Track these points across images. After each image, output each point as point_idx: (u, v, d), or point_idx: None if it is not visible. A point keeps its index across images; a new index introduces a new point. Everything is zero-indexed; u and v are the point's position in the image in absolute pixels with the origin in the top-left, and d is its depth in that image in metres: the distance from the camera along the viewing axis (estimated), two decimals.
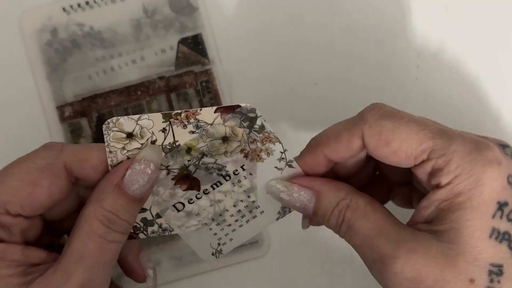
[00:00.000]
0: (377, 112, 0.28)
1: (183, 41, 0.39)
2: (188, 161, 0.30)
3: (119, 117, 0.28)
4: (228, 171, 0.30)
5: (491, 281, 0.25)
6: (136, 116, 0.28)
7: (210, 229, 0.32)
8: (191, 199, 0.31)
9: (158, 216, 0.31)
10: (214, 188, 0.31)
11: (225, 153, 0.30)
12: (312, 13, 0.40)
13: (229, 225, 0.32)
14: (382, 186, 0.33)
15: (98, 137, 0.38)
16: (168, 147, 0.29)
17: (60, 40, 0.38)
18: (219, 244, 0.33)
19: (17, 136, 0.39)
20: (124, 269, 0.32)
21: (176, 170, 0.30)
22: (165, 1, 0.39)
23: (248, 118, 0.29)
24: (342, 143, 0.29)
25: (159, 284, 0.38)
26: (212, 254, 0.33)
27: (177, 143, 0.29)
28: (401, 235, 0.27)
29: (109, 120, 0.28)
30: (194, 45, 0.39)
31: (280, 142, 0.29)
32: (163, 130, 0.29)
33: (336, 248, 0.39)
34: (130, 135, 0.28)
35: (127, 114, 0.38)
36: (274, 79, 0.40)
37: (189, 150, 0.29)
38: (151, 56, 0.39)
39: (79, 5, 0.38)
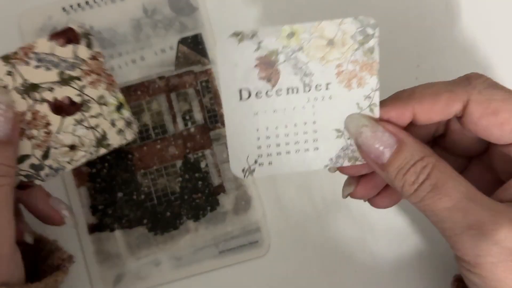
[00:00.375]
0: (485, 81, 0.27)
1: (183, 41, 0.39)
2: (282, 48, 0.27)
3: None
4: (313, 80, 0.28)
5: None
6: None
7: (258, 138, 0.29)
8: (68, 131, 0.32)
9: (45, 157, 0.32)
10: (288, 93, 0.28)
11: (321, 59, 0.28)
12: (312, 13, 0.40)
13: (278, 144, 0.29)
14: (451, 160, 0.31)
15: None
16: (21, 88, 0.31)
17: None
18: (256, 162, 0.30)
19: None
20: (40, 218, 0.33)
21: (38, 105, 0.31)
22: (165, 1, 0.39)
23: (365, 33, 0.27)
24: (439, 103, 0.27)
25: (159, 284, 0.38)
26: (243, 171, 0.30)
27: (27, 82, 0.31)
28: (498, 206, 0.25)
29: None
30: (194, 45, 0.39)
31: (377, 78, 0.27)
32: (9, 73, 0.31)
33: (336, 248, 0.39)
34: None
35: None
36: None
37: (35, 85, 0.31)
38: (151, 56, 0.39)
39: (79, 5, 0.38)
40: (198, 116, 0.39)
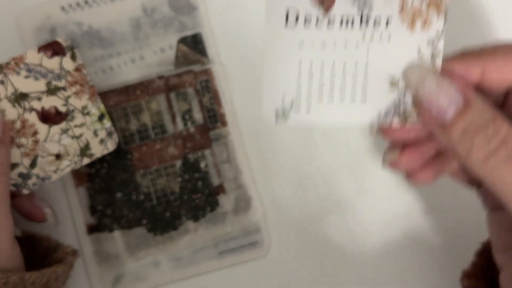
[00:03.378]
0: None
1: (182, 40, 0.39)
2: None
3: None
4: (372, 12, 0.24)
5: None
6: None
7: (299, 75, 0.25)
8: (55, 140, 0.34)
9: (32, 166, 0.33)
10: (342, 25, 0.24)
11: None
12: None
13: (321, 86, 0.25)
14: None
15: None
16: (12, 96, 0.33)
17: None
18: (292, 104, 0.26)
19: None
20: (24, 215, 0.35)
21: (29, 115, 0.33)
22: (164, 0, 0.39)
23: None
24: (510, 60, 0.24)
25: (158, 285, 0.38)
26: (276, 114, 0.26)
27: (18, 91, 0.33)
28: None
29: None
30: (194, 44, 0.39)
31: (444, 19, 0.25)
32: (1, 82, 0.33)
33: (336, 248, 0.39)
34: None
35: (126, 114, 0.38)
36: None
37: (24, 95, 0.33)
38: (150, 55, 0.38)
39: (78, 4, 0.38)
40: (197, 116, 0.39)
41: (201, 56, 0.39)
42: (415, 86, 0.24)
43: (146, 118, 0.38)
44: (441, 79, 0.24)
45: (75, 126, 0.34)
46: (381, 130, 0.26)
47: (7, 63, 0.33)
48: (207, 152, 0.39)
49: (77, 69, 0.34)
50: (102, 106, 0.35)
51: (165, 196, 0.38)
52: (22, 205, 0.34)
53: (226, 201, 0.39)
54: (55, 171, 0.34)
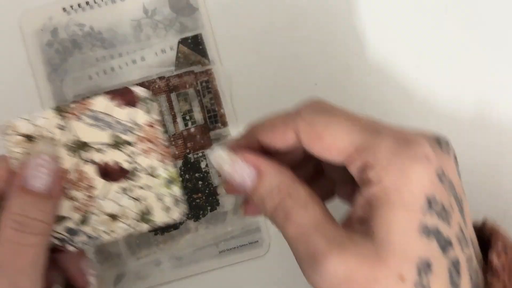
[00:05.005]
0: (312, 107, 0.28)
1: (183, 41, 0.39)
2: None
3: (13, 120, 0.28)
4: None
5: (420, 276, 0.24)
6: (29, 116, 0.28)
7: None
8: (112, 199, 0.30)
9: (83, 223, 0.30)
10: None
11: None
12: (312, 13, 0.40)
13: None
14: (324, 183, 0.32)
15: None
16: (71, 144, 0.29)
17: (60, 40, 0.38)
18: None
19: None
20: (64, 275, 0.32)
21: (86, 167, 0.29)
22: (165, 1, 0.39)
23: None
24: (276, 133, 0.28)
25: (159, 284, 0.38)
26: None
27: (78, 139, 0.29)
28: (337, 233, 0.26)
29: (3, 124, 0.28)
30: (194, 45, 0.39)
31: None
32: (61, 127, 0.29)
33: None
34: (29, 138, 0.28)
35: None
36: (274, 79, 0.40)
37: (85, 144, 0.29)
38: (151, 56, 0.39)
39: (79, 5, 0.38)
40: (198, 116, 0.39)
41: (202, 57, 0.39)
42: (217, 169, 0.29)
43: None
44: (235, 160, 0.28)
45: (138, 187, 0.30)
46: (226, 188, 0.30)
47: (71, 107, 0.28)
48: (207, 152, 0.39)
49: (151, 125, 0.29)
50: (173, 171, 0.30)
51: None
52: (67, 263, 0.31)
53: (226, 201, 0.39)
54: (107, 233, 0.30)
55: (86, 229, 0.30)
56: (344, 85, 0.40)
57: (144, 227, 0.30)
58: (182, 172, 0.39)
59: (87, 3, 0.38)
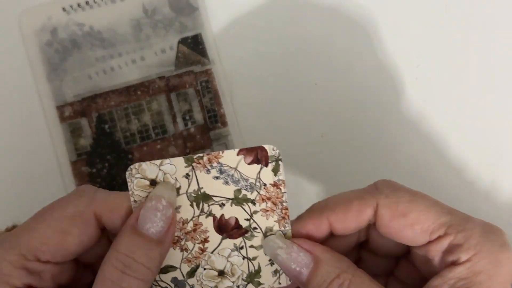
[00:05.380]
0: (391, 185, 0.28)
1: (183, 41, 0.39)
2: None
3: (141, 163, 0.28)
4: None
5: None
6: (158, 162, 0.28)
7: None
8: (223, 255, 0.29)
9: (190, 275, 0.29)
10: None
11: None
12: (312, 13, 0.40)
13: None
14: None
15: (98, 137, 0.38)
16: (193, 194, 0.29)
17: (60, 40, 0.38)
18: None
19: (17, 136, 0.39)
20: None
21: (202, 220, 0.29)
22: (165, 1, 0.39)
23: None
24: (352, 211, 0.27)
25: None
26: None
27: (201, 190, 0.28)
28: None
29: (131, 167, 0.28)
30: (194, 45, 0.39)
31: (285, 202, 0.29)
32: (187, 175, 0.28)
33: None
34: (153, 182, 0.28)
35: (127, 115, 0.38)
36: (274, 79, 0.40)
37: (208, 196, 0.29)
38: (151, 56, 0.39)
39: (79, 5, 0.38)
40: (198, 116, 0.39)
41: (202, 56, 0.39)
42: (271, 257, 0.29)
43: (146, 118, 0.38)
44: (291, 247, 0.28)
45: (251, 246, 0.29)
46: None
47: (200, 157, 0.28)
48: (207, 152, 0.39)
49: (275, 185, 0.29)
50: (290, 233, 0.29)
51: None
52: None
53: None
54: None
55: (192, 282, 0.29)
56: (344, 85, 0.40)
57: None
58: None
59: (87, 2, 0.38)
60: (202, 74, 0.39)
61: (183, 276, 0.29)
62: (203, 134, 0.39)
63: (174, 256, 0.29)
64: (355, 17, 0.40)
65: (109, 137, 0.38)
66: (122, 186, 0.38)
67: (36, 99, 0.38)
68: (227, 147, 0.39)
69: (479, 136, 0.40)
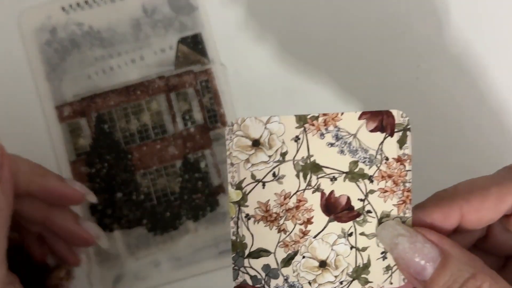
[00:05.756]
0: None
1: (182, 41, 0.39)
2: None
3: (245, 118, 0.23)
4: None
5: None
6: (265, 118, 0.23)
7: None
8: (328, 241, 0.24)
9: (285, 263, 0.24)
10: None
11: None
12: (313, 13, 0.40)
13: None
14: None
15: (97, 137, 0.38)
16: (300, 163, 0.24)
17: (59, 39, 0.38)
18: None
19: (16, 136, 0.38)
20: (68, 239, 0.31)
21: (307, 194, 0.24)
22: (164, 0, 0.39)
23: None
24: (490, 200, 0.24)
25: (158, 285, 0.38)
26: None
27: (311, 158, 0.24)
28: None
29: (233, 121, 0.23)
30: (194, 45, 0.39)
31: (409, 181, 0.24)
32: (296, 138, 0.23)
33: None
34: (256, 143, 0.23)
35: (126, 114, 0.38)
36: (274, 79, 0.40)
37: (318, 167, 0.24)
38: (150, 55, 0.39)
39: (78, 5, 0.38)
40: (197, 116, 0.39)
41: (201, 56, 0.39)
42: (389, 246, 0.24)
43: (146, 118, 0.38)
44: (415, 236, 0.23)
45: (362, 234, 0.24)
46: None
47: (314, 117, 0.23)
48: (207, 152, 0.39)
49: (400, 160, 0.24)
50: (410, 222, 0.24)
51: (165, 196, 0.38)
52: (69, 228, 0.31)
53: (226, 201, 0.39)
54: (310, 283, 0.24)
55: (287, 272, 0.24)
56: (344, 85, 0.40)
57: (354, 286, 0.25)
58: (182, 172, 0.38)
59: (86, 2, 0.38)
60: (202, 74, 0.39)
61: (277, 263, 0.24)
62: (203, 134, 0.39)
63: (269, 238, 0.24)
64: (355, 16, 0.40)
65: (108, 137, 0.38)
66: (121, 186, 0.38)
67: (35, 99, 0.38)
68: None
69: (479, 136, 0.40)
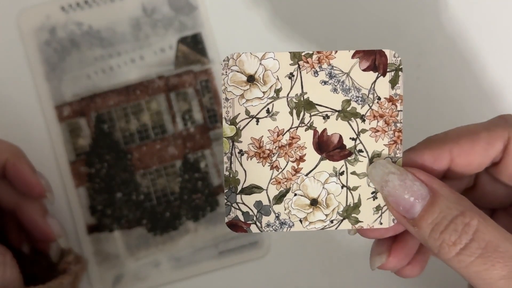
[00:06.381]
0: None
1: (182, 40, 0.39)
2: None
3: (240, 53, 0.23)
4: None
5: None
6: (260, 54, 0.23)
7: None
8: (320, 180, 0.24)
9: (277, 201, 0.24)
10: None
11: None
12: (313, 13, 0.40)
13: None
14: None
15: (97, 137, 0.38)
16: (294, 100, 0.24)
17: (58, 39, 0.38)
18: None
19: (16, 136, 0.38)
20: (32, 232, 0.32)
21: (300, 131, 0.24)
22: (164, 0, 0.39)
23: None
24: (479, 143, 0.24)
25: (158, 285, 0.38)
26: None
27: (305, 96, 0.24)
28: None
29: (228, 56, 0.23)
30: (194, 44, 0.39)
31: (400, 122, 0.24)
32: (290, 75, 0.23)
33: (336, 248, 0.39)
34: (251, 79, 0.23)
35: (126, 114, 0.38)
36: None
37: (311, 104, 0.24)
38: (150, 55, 0.38)
39: (77, 4, 0.38)
40: (197, 116, 0.39)
41: (201, 56, 0.39)
42: (379, 184, 0.24)
43: (146, 118, 0.38)
44: (405, 174, 0.24)
45: (353, 173, 0.24)
46: (359, 232, 0.26)
47: (309, 54, 0.23)
48: (207, 152, 0.39)
49: (391, 100, 0.24)
50: (400, 162, 0.25)
51: (165, 196, 0.38)
52: (36, 222, 0.32)
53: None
54: (300, 221, 0.24)
55: (279, 209, 0.24)
56: None
57: (344, 225, 0.25)
58: (182, 172, 0.38)
59: (86, 2, 0.38)
60: (202, 74, 0.39)
61: (269, 200, 0.24)
62: (202, 134, 0.39)
63: (262, 174, 0.24)
64: (355, 16, 0.40)
65: (108, 137, 0.38)
66: (121, 186, 0.38)
67: (35, 99, 0.38)
68: None
69: None
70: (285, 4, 0.40)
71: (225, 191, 0.25)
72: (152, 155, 0.38)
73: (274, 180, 0.24)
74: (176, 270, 0.38)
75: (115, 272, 0.38)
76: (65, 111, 0.38)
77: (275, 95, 0.24)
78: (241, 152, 0.24)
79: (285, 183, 0.24)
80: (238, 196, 0.25)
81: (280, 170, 0.24)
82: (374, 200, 0.25)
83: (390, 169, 0.24)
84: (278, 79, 0.24)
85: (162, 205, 0.38)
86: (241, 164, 0.24)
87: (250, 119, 0.24)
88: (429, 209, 0.23)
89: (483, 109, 0.40)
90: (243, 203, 0.24)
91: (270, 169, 0.24)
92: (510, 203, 0.27)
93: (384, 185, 0.24)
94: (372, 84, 0.24)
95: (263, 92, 0.23)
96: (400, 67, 0.25)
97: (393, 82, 0.24)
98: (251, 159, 0.24)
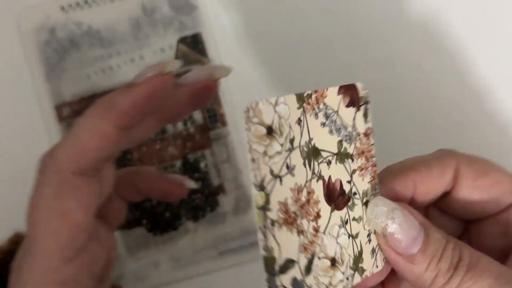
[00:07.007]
0: (456, 152, 0.26)
1: (182, 40, 0.39)
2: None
3: (257, 101, 0.19)
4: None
5: None
6: (273, 99, 0.20)
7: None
8: (333, 235, 0.22)
9: (307, 271, 0.21)
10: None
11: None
12: (313, 12, 0.40)
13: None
14: None
15: None
16: (305, 148, 0.21)
17: (58, 39, 0.38)
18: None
19: (15, 136, 0.38)
20: (159, 197, 0.30)
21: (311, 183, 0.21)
22: (164, 0, 0.39)
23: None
24: (433, 171, 0.25)
25: (158, 285, 0.38)
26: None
27: (312, 142, 0.21)
28: None
29: (248, 106, 0.19)
30: (194, 44, 0.39)
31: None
32: (299, 121, 0.20)
33: None
34: (270, 131, 0.20)
35: None
36: (274, 79, 0.40)
37: (317, 151, 0.21)
38: (150, 55, 0.38)
39: (77, 4, 0.38)
40: (197, 116, 0.39)
41: (201, 56, 0.39)
42: (383, 223, 0.23)
43: None
44: (406, 208, 0.23)
45: (353, 219, 0.22)
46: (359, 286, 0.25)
47: (309, 95, 0.21)
48: (207, 152, 0.39)
49: (366, 134, 0.23)
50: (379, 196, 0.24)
51: None
52: (159, 186, 0.29)
53: (226, 201, 0.38)
54: (327, 286, 0.21)
55: (310, 281, 0.21)
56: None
57: (357, 279, 0.22)
58: (182, 172, 0.38)
59: (86, 1, 0.38)
60: None
61: (301, 273, 0.21)
62: (202, 134, 0.38)
63: (292, 243, 0.20)
64: (355, 16, 0.40)
65: None
66: None
67: (34, 99, 0.38)
68: (227, 147, 0.38)
69: (479, 136, 0.40)
70: (285, 5, 0.40)
71: (266, 277, 0.20)
72: (152, 155, 0.38)
73: (302, 247, 0.21)
74: (176, 270, 0.38)
75: (115, 272, 0.38)
76: (64, 111, 0.38)
77: (290, 146, 0.20)
78: (273, 223, 0.20)
79: (310, 247, 0.21)
80: (277, 279, 0.20)
81: (305, 233, 0.21)
82: (370, 243, 0.23)
83: (393, 206, 0.23)
84: (290, 127, 0.20)
85: (162, 205, 0.38)
86: (274, 238, 0.20)
87: (275, 179, 0.20)
88: (427, 242, 0.23)
89: (482, 109, 0.40)
90: (283, 286, 0.20)
91: (298, 235, 0.20)
92: (462, 226, 0.28)
93: (390, 223, 0.23)
94: (353, 120, 0.22)
95: (281, 144, 0.20)
96: (367, 99, 0.23)
97: (365, 116, 0.23)
98: (281, 227, 0.20)
